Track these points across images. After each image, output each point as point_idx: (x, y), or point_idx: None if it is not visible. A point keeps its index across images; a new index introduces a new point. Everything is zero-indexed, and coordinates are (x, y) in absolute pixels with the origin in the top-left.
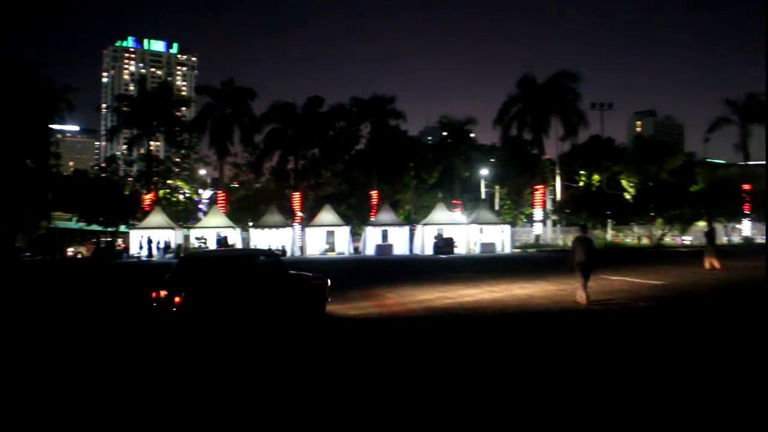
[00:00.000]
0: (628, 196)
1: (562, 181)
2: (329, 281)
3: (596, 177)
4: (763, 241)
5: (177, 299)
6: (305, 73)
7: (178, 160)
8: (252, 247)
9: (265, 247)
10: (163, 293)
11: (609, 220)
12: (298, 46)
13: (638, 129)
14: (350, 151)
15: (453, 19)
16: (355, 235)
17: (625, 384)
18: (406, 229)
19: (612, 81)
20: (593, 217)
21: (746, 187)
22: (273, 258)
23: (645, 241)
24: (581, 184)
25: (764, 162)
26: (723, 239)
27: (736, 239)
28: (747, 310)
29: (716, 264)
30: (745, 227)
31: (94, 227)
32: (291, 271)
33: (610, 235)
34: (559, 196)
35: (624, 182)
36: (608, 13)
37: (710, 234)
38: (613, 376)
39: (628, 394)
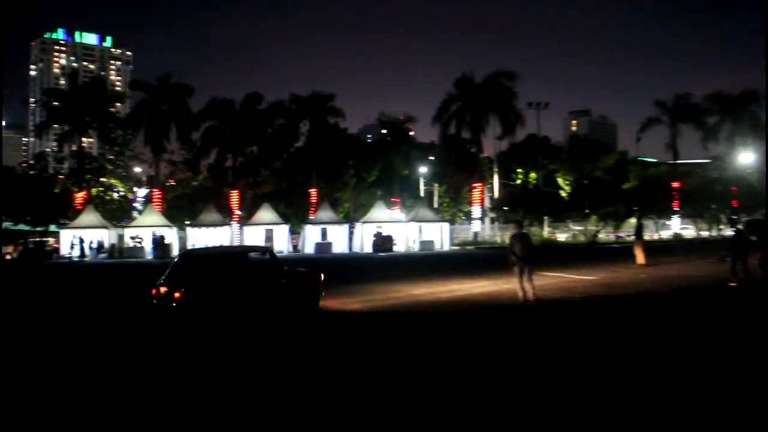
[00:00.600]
0: (563, 194)
1: (500, 179)
2: (322, 276)
3: (533, 175)
4: (691, 236)
5: (177, 294)
6: (243, 70)
7: (111, 157)
8: (190, 246)
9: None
10: (163, 290)
11: (545, 217)
12: (237, 44)
13: (573, 128)
14: (289, 148)
15: (392, 17)
16: (294, 233)
17: (558, 374)
18: (346, 227)
19: (548, 80)
20: (530, 214)
21: (675, 184)
22: (268, 254)
23: (580, 237)
24: (518, 181)
25: (693, 161)
26: (654, 235)
27: (665, 235)
28: (675, 304)
29: (642, 259)
30: (675, 224)
31: (22, 227)
32: (285, 267)
33: (546, 231)
34: (497, 194)
35: (560, 180)
36: (544, 12)
37: (638, 229)
38: (544, 367)
39: (561, 383)
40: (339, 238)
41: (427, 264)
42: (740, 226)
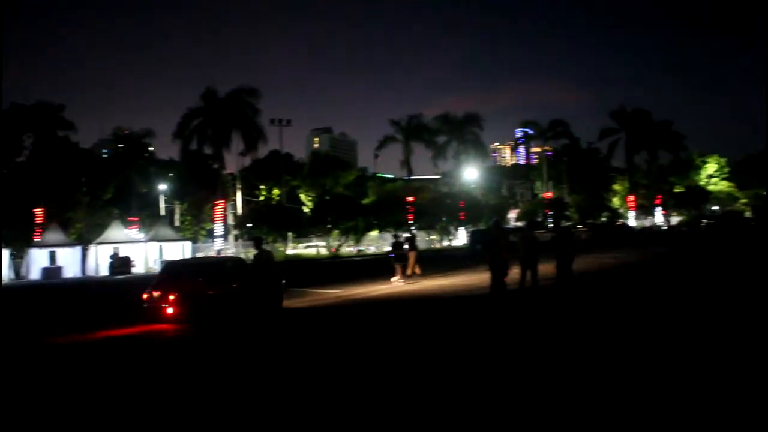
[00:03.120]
0: (306, 210)
1: (243, 196)
2: (284, 281)
3: (276, 191)
4: (426, 248)
5: (171, 297)
6: None
7: None
8: None
9: None
10: (156, 293)
11: (289, 233)
12: None
13: (316, 145)
14: (10, 164)
15: (133, 31)
16: (17, 258)
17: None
18: (78, 249)
19: (291, 98)
20: (274, 230)
21: (410, 199)
22: (240, 264)
23: (323, 252)
24: (262, 198)
25: (426, 176)
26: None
27: (405, 247)
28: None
29: (417, 270)
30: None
31: None
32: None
33: (290, 247)
34: (240, 211)
35: (303, 196)
36: (288, 30)
37: (411, 241)
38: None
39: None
40: (71, 262)
41: None
42: (401, 238)
